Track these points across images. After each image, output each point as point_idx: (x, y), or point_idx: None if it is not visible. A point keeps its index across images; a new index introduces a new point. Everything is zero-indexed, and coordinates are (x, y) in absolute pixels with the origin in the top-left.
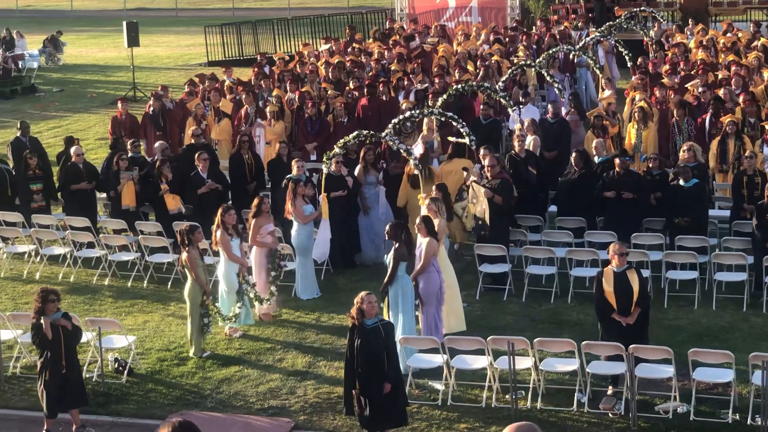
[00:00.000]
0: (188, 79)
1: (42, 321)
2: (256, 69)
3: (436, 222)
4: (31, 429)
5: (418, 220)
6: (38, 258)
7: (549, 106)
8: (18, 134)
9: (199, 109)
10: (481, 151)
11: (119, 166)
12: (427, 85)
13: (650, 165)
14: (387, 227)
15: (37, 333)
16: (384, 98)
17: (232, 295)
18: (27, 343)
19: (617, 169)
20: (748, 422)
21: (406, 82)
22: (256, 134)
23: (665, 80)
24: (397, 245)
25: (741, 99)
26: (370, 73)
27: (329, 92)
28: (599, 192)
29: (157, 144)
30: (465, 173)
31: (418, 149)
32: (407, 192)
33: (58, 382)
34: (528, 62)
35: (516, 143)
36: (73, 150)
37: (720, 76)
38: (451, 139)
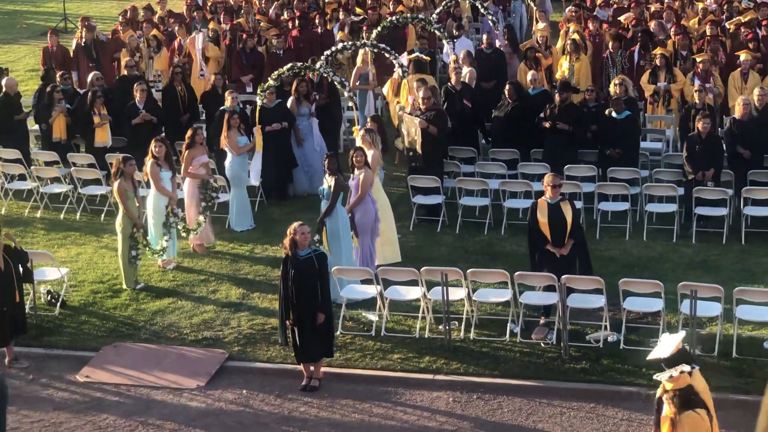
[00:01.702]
0: (122, 11)
1: None
2: (189, 1)
3: (370, 153)
4: None
5: (356, 152)
6: None
7: (483, 36)
8: None
9: (133, 41)
10: (415, 83)
11: (53, 99)
12: (362, 17)
13: (587, 97)
14: (326, 159)
15: None
16: (318, 30)
17: (159, 227)
18: None
19: (557, 101)
20: None
21: (342, 15)
22: (197, 47)
23: (596, 13)
24: (335, 177)
25: (672, 32)
26: (303, 5)
27: (262, 24)
28: (539, 122)
29: (90, 75)
30: (397, 107)
31: (403, 59)
32: (391, 99)
33: (10, 312)
34: None
35: (452, 75)
36: (5, 81)
37: (652, 9)
38: (412, 55)
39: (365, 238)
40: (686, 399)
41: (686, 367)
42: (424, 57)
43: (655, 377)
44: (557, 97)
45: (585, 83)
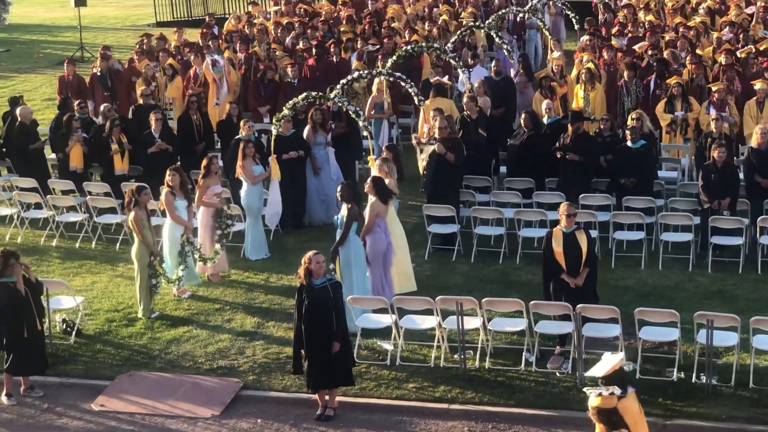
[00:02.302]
0: (138, 39)
1: (15, 279)
2: (204, 30)
3: (386, 182)
4: None
5: (368, 181)
6: None
7: (492, 64)
8: None
9: (149, 70)
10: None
11: (70, 128)
12: (378, 46)
13: (601, 127)
14: (339, 188)
15: (10, 293)
16: (334, 59)
17: (174, 256)
18: None
19: (569, 132)
20: (693, 380)
21: (359, 44)
22: (219, 63)
23: (613, 42)
24: (349, 206)
25: (688, 60)
26: (318, 34)
27: (277, 53)
28: (554, 152)
29: (102, 106)
30: (413, 138)
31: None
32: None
33: (34, 340)
34: (477, 23)
35: (467, 104)
36: (20, 110)
37: (667, 38)
38: (433, 79)
39: (377, 267)
40: (609, 420)
41: (617, 390)
42: (446, 82)
43: (585, 389)
44: (570, 127)
45: (600, 112)
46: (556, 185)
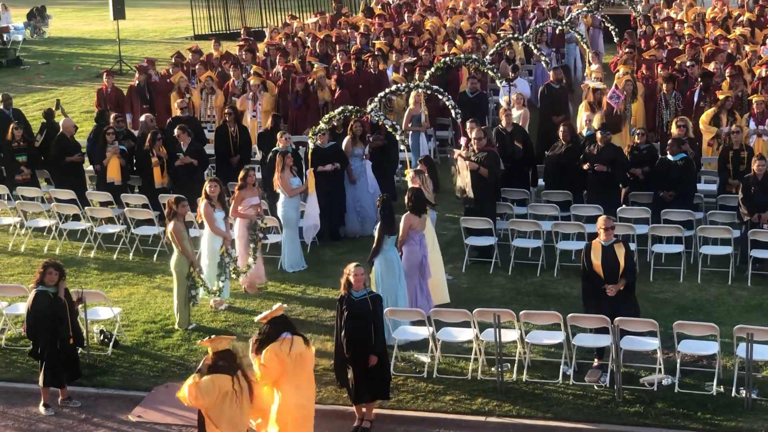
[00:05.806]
0: (174, 52)
1: (55, 290)
2: (242, 42)
3: None
4: (16, 401)
5: (408, 193)
6: (23, 230)
7: (552, 72)
8: (0, 106)
9: (182, 83)
10: (468, 124)
11: (105, 140)
12: (415, 59)
13: (637, 140)
14: (378, 201)
15: (48, 302)
16: (372, 71)
17: (214, 267)
18: (12, 315)
19: (598, 142)
20: (733, 394)
21: (395, 56)
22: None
23: (646, 53)
24: (381, 220)
25: (727, 73)
26: (354, 47)
27: (315, 67)
28: (579, 165)
29: (143, 117)
30: (454, 153)
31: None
32: None
33: (65, 351)
34: (516, 36)
35: (503, 117)
36: (63, 122)
37: (707, 50)
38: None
39: (412, 279)
40: (213, 364)
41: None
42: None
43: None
44: (599, 137)
45: (641, 124)
46: (584, 197)
